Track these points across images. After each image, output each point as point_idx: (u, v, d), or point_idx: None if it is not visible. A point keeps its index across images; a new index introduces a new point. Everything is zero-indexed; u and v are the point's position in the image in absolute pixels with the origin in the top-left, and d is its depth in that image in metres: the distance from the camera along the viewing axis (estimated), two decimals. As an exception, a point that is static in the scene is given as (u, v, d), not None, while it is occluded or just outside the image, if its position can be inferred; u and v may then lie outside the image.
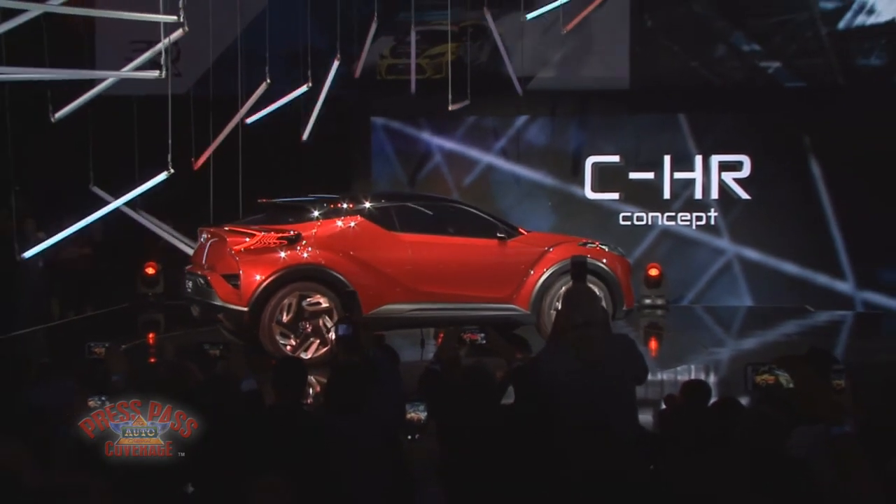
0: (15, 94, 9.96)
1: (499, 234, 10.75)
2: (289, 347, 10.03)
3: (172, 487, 4.07)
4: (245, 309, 9.92)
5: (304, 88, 12.00)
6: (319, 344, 10.09)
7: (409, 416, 4.60)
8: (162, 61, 8.64)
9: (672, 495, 4.10)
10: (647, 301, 14.10)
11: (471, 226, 10.84)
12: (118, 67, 10.42)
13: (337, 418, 4.84)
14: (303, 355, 9.87)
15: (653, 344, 12.39)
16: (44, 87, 9.75)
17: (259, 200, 10.97)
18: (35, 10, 8.50)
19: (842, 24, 15.12)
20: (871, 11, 15.01)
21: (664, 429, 5.41)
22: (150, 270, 14.55)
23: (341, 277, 10.08)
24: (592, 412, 4.88)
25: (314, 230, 10.24)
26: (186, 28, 8.31)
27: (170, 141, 9.18)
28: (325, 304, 10.09)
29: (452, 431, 4.51)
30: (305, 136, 12.86)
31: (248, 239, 10.12)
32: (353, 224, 10.43)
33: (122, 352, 5.41)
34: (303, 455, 4.49)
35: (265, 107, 12.23)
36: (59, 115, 9.87)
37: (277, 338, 10.01)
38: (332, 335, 9.79)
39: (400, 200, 11.05)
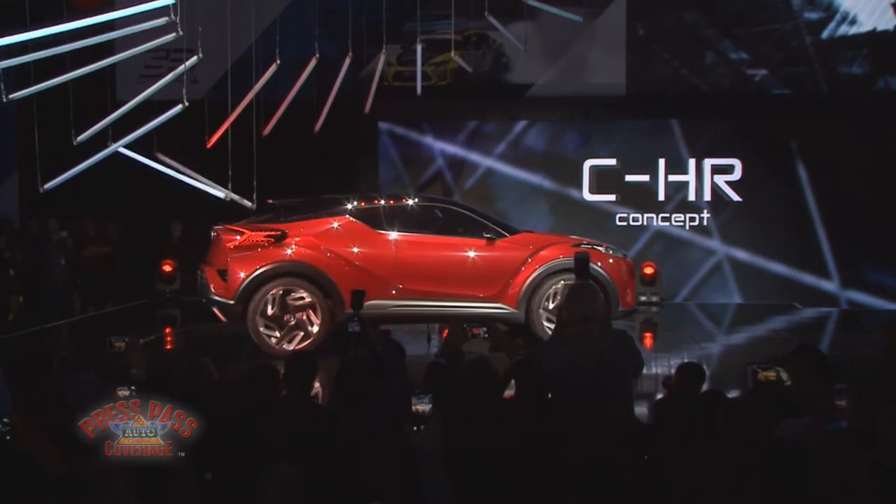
0: (41, 112, 9.92)
1: (485, 234, 10.66)
2: (273, 339, 10.25)
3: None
4: (232, 302, 10.24)
5: (313, 63, 11.90)
6: (302, 337, 10.30)
7: (414, 407, 4.58)
8: (172, 16, 8.58)
9: (664, 485, 4.08)
10: (643, 298, 14.06)
11: (459, 226, 10.77)
12: (136, 80, 10.36)
13: (345, 409, 4.82)
14: (286, 347, 10.18)
15: (647, 339, 12.36)
16: (67, 110, 9.67)
17: (268, 201, 11.08)
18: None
19: (825, 34, 15.10)
20: (853, 22, 15.00)
21: (658, 420, 5.39)
22: (167, 268, 14.56)
23: (324, 274, 10.30)
24: (589, 403, 4.85)
25: (302, 229, 10.48)
26: None
27: (185, 77, 9.14)
28: (308, 298, 10.30)
29: (457, 422, 4.49)
30: (318, 127, 12.74)
31: (239, 237, 10.40)
32: (340, 223, 10.57)
33: (141, 346, 5.38)
34: (313, 445, 4.47)
35: (279, 105, 12.14)
36: (80, 138, 9.82)
37: (262, 329, 10.25)
38: (315, 328, 10.26)
39: (388, 201, 11.02)
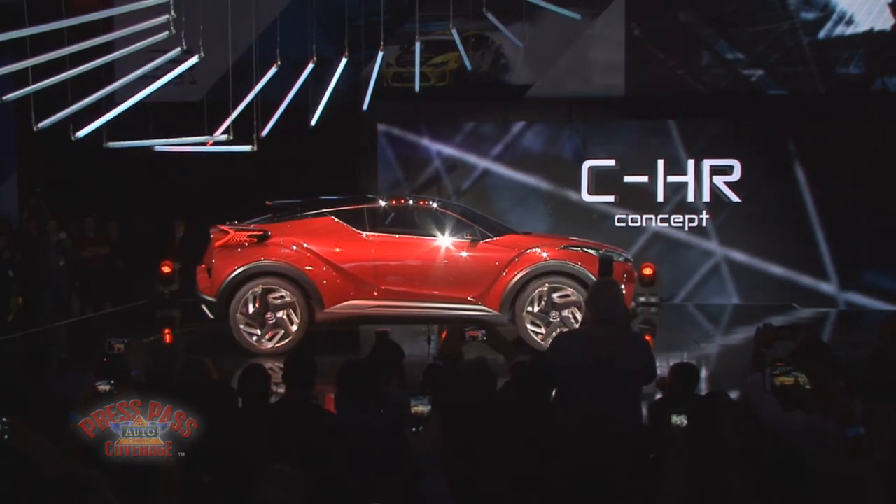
0: (39, 110, 9.92)
1: (467, 236, 10.61)
2: (254, 337, 10.46)
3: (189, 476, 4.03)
4: (214, 300, 10.51)
5: (311, 66, 11.92)
6: (282, 335, 10.47)
7: (413, 409, 4.57)
8: (171, 14, 8.59)
9: (663, 485, 4.08)
10: (642, 299, 14.04)
11: (443, 227, 10.73)
12: (135, 81, 10.33)
13: (347, 409, 4.82)
14: (267, 345, 10.42)
15: (647, 339, 12.35)
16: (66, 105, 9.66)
17: (266, 202, 11.21)
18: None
19: (822, 34, 15.11)
20: (850, 22, 15.00)
21: (653, 422, 5.38)
22: (167, 269, 14.56)
23: (304, 273, 10.45)
24: (593, 405, 4.84)
25: (286, 230, 10.65)
26: None
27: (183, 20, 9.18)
28: (288, 298, 10.46)
29: (455, 423, 4.48)
30: (312, 121, 12.72)
31: (225, 236, 10.62)
32: (323, 224, 10.69)
33: (142, 347, 5.35)
34: (312, 446, 4.47)
35: (277, 106, 12.16)
36: (79, 134, 9.83)
37: (242, 327, 10.46)
38: (294, 327, 10.43)
39: (375, 202, 11.10)
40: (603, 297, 5.28)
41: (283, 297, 10.47)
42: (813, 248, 14.90)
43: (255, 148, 10.99)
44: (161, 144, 11.26)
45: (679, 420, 4.00)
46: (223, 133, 10.73)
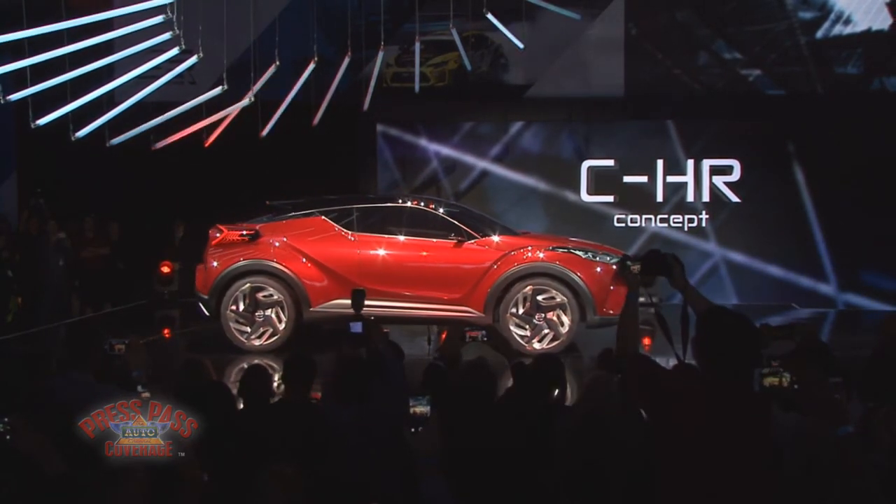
0: (37, 109, 9.93)
1: (453, 236, 10.60)
2: (243, 335, 10.60)
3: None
4: (207, 297, 10.66)
5: (312, 66, 11.92)
6: (270, 333, 10.60)
7: (413, 409, 4.58)
8: (167, 14, 8.61)
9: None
10: (641, 299, 13.99)
11: (432, 228, 10.75)
12: (135, 81, 10.34)
13: (342, 409, 4.82)
14: (255, 342, 10.57)
15: (646, 339, 12.33)
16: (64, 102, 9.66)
17: (266, 203, 11.29)
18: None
19: (820, 34, 15.08)
20: (847, 21, 14.98)
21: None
22: (166, 269, 14.58)
23: (290, 272, 10.56)
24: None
25: (276, 229, 10.78)
26: None
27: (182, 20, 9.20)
28: (276, 296, 10.59)
29: (455, 424, 4.48)
30: (315, 121, 12.73)
31: (218, 235, 10.79)
32: (312, 224, 10.79)
33: (142, 347, 5.36)
34: (312, 446, 4.47)
35: (277, 106, 12.15)
36: (79, 134, 9.87)
37: (231, 325, 10.60)
38: (282, 325, 10.61)
39: (367, 202, 11.26)
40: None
41: (270, 295, 10.59)
42: (812, 248, 14.88)
43: (252, 99, 11.00)
44: (164, 118, 11.22)
45: (635, 267, 4.48)
46: (219, 89, 10.73)
